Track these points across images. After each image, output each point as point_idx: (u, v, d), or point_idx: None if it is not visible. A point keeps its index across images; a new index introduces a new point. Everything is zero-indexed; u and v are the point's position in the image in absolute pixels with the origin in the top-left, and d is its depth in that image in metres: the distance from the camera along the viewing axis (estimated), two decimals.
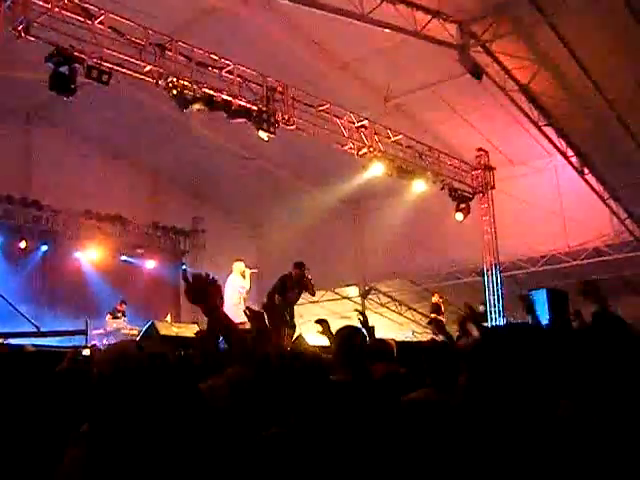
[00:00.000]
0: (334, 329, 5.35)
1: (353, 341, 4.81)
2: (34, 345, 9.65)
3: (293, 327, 13.76)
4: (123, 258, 21.34)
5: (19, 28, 10.75)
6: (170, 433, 2.26)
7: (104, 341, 15.45)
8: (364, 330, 5.54)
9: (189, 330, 13.56)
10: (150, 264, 22.03)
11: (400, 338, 17.99)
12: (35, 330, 14.51)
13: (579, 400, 2.73)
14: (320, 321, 6.09)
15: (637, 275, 18.94)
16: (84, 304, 18.53)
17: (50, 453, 2.76)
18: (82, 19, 11.59)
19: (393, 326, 24.32)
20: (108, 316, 16.81)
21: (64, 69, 11.28)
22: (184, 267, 22.85)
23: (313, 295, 14.68)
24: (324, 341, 6.04)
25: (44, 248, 19.54)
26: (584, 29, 13.33)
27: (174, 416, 2.30)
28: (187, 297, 3.41)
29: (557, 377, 2.45)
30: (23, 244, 18.86)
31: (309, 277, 14.09)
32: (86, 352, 8.88)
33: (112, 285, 19.99)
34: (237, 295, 14.93)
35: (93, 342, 14.73)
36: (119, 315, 16.97)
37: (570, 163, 17.32)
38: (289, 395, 2.83)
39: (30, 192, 19.40)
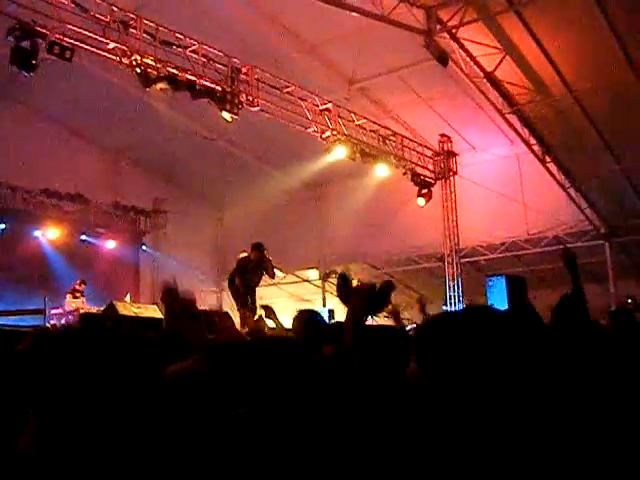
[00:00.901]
0: (294, 312, 5.36)
1: (314, 323, 4.82)
2: None
3: (254, 310, 13.69)
4: (83, 238, 21.13)
5: None
6: (124, 415, 2.23)
7: (62, 321, 15.31)
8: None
9: (148, 311, 13.51)
10: (110, 244, 21.86)
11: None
12: None
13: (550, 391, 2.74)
14: (265, 307, 6.23)
15: (595, 264, 19.12)
16: (43, 283, 18.35)
17: (7, 434, 2.71)
18: None
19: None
20: (68, 296, 16.63)
21: (25, 44, 11.11)
22: (143, 247, 22.72)
23: (272, 277, 14.52)
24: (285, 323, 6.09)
25: (1, 226, 19.25)
26: (550, 19, 13.37)
27: (127, 397, 2.27)
28: (162, 299, 3.41)
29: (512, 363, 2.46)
30: None
31: (269, 259, 13.98)
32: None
33: (72, 265, 19.81)
34: None
35: (52, 322, 14.63)
36: (78, 295, 16.81)
37: (532, 151, 17.40)
38: (254, 378, 2.81)
39: None
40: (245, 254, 14.59)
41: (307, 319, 4.94)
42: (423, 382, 2.61)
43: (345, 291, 3.89)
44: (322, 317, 5.24)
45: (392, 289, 4.22)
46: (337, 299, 4.08)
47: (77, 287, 17.04)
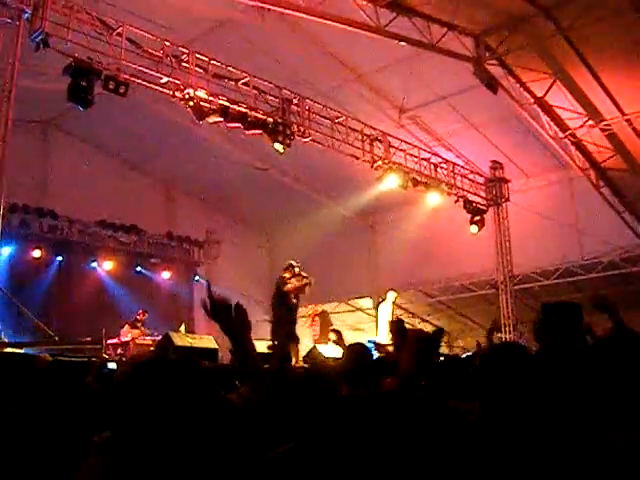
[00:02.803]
0: (347, 341, 5.38)
1: (362, 357, 4.81)
2: (51, 354, 9.70)
3: (297, 340, 13.66)
4: (138, 269, 21.41)
5: (37, 40, 10.84)
6: (193, 443, 2.28)
7: (118, 351, 15.47)
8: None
9: (203, 341, 13.61)
10: (165, 275, 22.11)
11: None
12: (51, 339, 14.60)
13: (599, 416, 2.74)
14: (335, 330, 6.17)
15: None
16: (101, 314, 18.55)
17: (68, 464, 2.78)
18: (100, 31, 11.70)
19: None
20: (126, 326, 16.71)
21: (81, 81, 11.36)
22: (197, 278, 22.89)
23: (304, 293, 14.33)
24: (337, 352, 6.08)
25: (59, 258, 19.61)
26: (599, 42, 13.31)
27: (197, 426, 2.32)
28: (206, 311, 3.39)
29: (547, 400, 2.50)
30: (37, 253, 18.95)
31: (302, 274, 13.90)
32: (112, 365, 8.93)
33: (128, 295, 20.06)
34: None
35: (108, 352, 14.80)
36: (139, 325, 16.91)
37: (586, 176, 17.28)
38: (300, 413, 2.84)
39: (46, 202, 19.50)
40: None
41: (358, 353, 4.93)
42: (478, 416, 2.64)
43: (399, 339, 3.90)
44: (370, 351, 5.21)
45: (443, 336, 4.24)
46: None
47: (139, 317, 17.16)
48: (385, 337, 16.29)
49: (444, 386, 4.11)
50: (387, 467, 2.51)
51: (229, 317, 3.25)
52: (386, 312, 16.63)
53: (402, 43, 13.78)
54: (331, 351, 13.72)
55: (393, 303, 17.10)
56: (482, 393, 2.82)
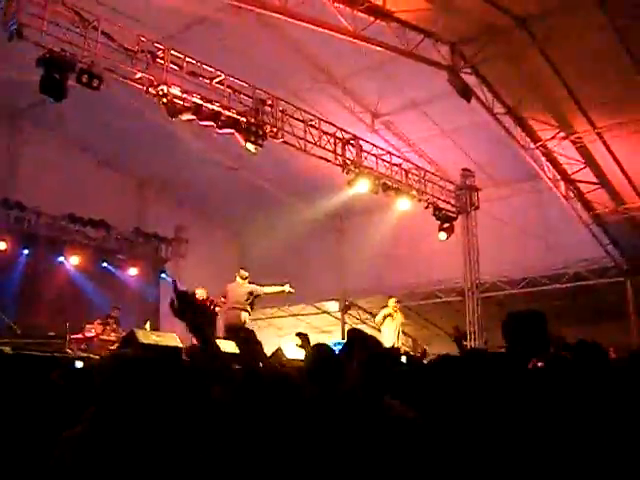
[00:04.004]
0: (313, 343, 5.36)
1: (325, 359, 4.80)
2: (13, 348, 9.62)
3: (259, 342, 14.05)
4: (104, 265, 21.26)
5: (11, 29, 10.73)
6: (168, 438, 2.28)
7: (82, 346, 15.33)
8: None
9: (167, 339, 13.51)
10: (132, 271, 21.97)
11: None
12: (14, 332, 14.45)
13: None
14: (300, 334, 6.12)
15: (616, 301, 19.02)
16: (67, 309, 18.37)
17: (30, 457, 2.76)
18: (75, 24, 11.60)
19: None
20: (97, 322, 16.52)
21: (55, 73, 11.26)
22: (163, 275, 22.77)
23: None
24: (302, 355, 6.06)
25: (25, 252, 19.39)
26: (574, 54, 13.43)
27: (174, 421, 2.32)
28: (172, 310, 3.39)
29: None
30: (2, 245, 18.71)
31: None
32: (79, 364, 8.85)
33: (94, 290, 19.93)
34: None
35: (70, 347, 14.66)
36: (110, 321, 16.75)
37: (556, 187, 17.43)
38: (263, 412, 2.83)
39: (14, 193, 19.29)
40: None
41: (319, 354, 4.92)
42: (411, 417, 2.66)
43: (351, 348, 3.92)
44: (334, 352, 5.20)
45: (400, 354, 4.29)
46: None
47: (112, 314, 17.01)
48: (390, 339, 16.67)
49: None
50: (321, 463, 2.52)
51: (195, 315, 3.25)
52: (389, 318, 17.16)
53: (378, 48, 13.80)
54: (296, 354, 13.77)
55: (395, 310, 17.27)
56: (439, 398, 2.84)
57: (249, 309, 15.50)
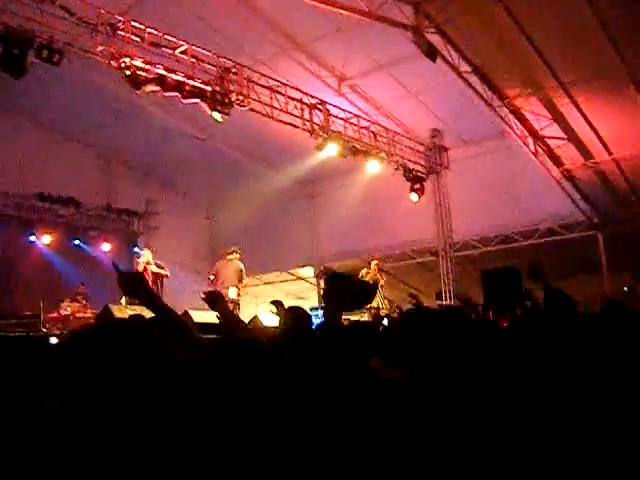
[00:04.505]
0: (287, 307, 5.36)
1: (299, 323, 4.79)
2: None
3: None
4: (77, 242, 21.12)
5: None
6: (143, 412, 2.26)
7: (58, 325, 15.29)
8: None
9: (144, 312, 13.49)
10: (105, 247, 21.85)
11: (355, 317, 18.09)
12: None
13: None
14: (275, 302, 6.11)
15: (588, 254, 19.18)
16: (41, 288, 18.27)
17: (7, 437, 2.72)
18: None
19: None
20: (66, 301, 16.51)
21: (14, 49, 11.10)
22: (136, 249, 22.70)
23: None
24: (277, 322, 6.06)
25: None
26: (538, 11, 13.39)
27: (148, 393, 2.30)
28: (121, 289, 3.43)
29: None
30: None
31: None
32: (54, 340, 8.82)
33: (67, 269, 19.82)
34: None
35: (47, 326, 14.63)
36: (79, 298, 16.73)
37: (524, 144, 17.47)
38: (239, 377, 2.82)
39: None
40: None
41: (292, 317, 4.92)
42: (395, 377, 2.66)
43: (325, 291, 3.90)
44: (309, 315, 5.18)
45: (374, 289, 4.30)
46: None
47: (79, 291, 16.99)
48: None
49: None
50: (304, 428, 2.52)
51: (142, 291, 3.28)
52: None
53: (341, 11, 13.69)
54: (271, 321, 13.95)
55: (376, 272, 17.61)
56: (412, 356, 2.83)
57: (239, 285, 16.33)
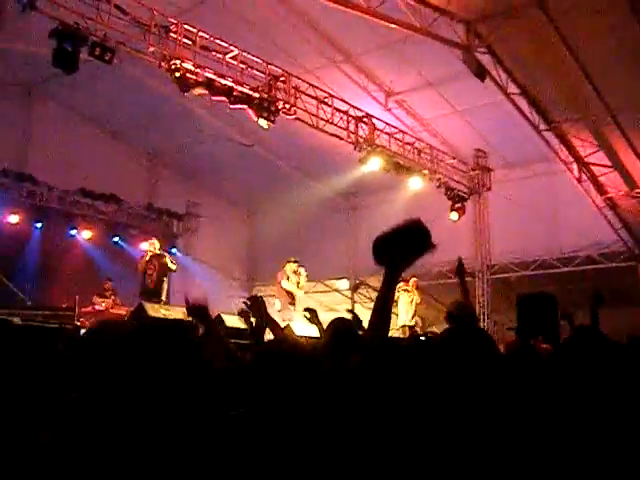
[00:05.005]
0: (323, 321, 5.36)
1: (344, 333, 4.79)
2: (22, 319, 9.67)
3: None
4: (116, 239, 21.28)
5: (24, 1, 10.71)
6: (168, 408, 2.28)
7: (91, 320, 15.40)
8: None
9: (177, 313, 13.56)
10: (144, 245, 21.98)
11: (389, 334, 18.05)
12: (24, 304, 14.54)
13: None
14: (309, 309, 6.13)
15: (627, 285, 18.92)
16: (80, 282, 18.41)
17: (32, 428, 2.76)
18: None
19: None
20: (95, 297, 16.60)
21: (68, 45, 11.27)
22: (174, 251, 22.84)
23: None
24: (312, 331, 6.06)
25: (38, 225, 19.46)
26: (591, 35, 13.29)
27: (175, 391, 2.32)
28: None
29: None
30: (15, 218, 18.72)
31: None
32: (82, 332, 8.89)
33: (106, 264, 19.95)
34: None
35: (81, 320, 14.74)
36: (107, 294, 16.82)
37: (568, 169, 17.34)
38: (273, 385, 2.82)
39: (26, 167, 19.34)
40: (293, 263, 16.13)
41: (337, 328, 4.91)
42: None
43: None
44: (353, 327, 5.17)
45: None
46: (366, 309, 4.05)
47: (105, 287, 17.06)
48: (406, 318, 17.46)
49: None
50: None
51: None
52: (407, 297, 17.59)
53: (392, 25, 13.71)
54: (304, 329, 13.96)
55: (412, 289, 17.78)
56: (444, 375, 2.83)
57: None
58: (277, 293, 16.03)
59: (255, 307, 4.80)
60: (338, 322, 5.00)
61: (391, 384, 2.95)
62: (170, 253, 22.32)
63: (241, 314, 5.58)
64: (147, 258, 15.53)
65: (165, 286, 14.87)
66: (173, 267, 15.93)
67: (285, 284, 15.83)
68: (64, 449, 2.22)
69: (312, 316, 6.02)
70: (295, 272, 15.91)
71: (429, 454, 2.37)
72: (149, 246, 16.09)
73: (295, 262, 16.06)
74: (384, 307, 3.01)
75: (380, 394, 2.86)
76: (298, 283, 15.96)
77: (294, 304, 15.68)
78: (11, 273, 16.71)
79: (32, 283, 17.74)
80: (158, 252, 15.76)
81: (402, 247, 2.99)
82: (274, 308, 15.67)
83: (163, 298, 14.83)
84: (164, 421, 2.29)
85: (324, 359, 4.11)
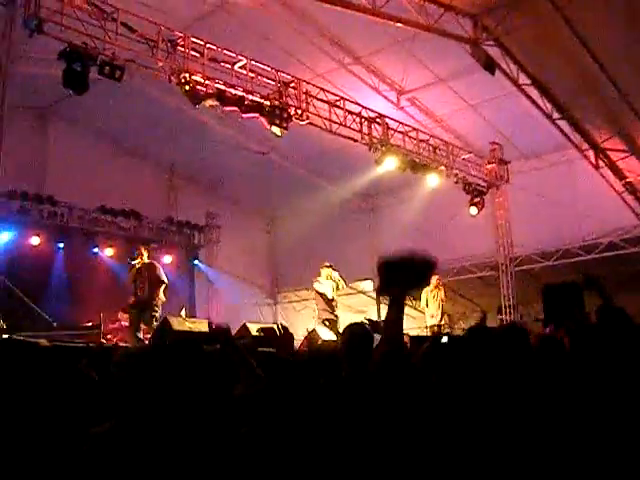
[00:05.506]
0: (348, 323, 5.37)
1: (360, 338, 4.79)
2: (49, 340, 9.72)
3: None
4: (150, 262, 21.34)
5: (31, 26, 10.82)
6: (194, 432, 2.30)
7: (119, 335, 15.51)
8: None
9: (202, 325, 13.61)
10: (166, 259, 22.08)
11: (415, 332, 18.01)
12: (50, 325, 14.64)
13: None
14: (328, 319, 6.20)
15: None
16: (105, 299, 18.51)
17: (62, 448, 2.79)
18: (94, 16, 11.67)
19: (407, 320, 24.20)
20: (120, 312, 16.64)
21: (77, 66, 11.37)
22: (196, 262, 22.92)
23: None
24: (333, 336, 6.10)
25: (60, 245, 19.61)
26: (598, 21, 13.24)
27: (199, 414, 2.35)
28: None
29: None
30: (36, 240, 18.88)
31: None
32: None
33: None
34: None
35: (108, 337, 14.84)
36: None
37: (585, 157, 17.25)
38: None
39: (45, 188, 19.50)
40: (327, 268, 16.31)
41: (353, 333, 4.91)
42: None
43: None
44: (370, 331, 5.16)
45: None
46: None
47: (131, 302, 17.08)
48: (430, 319, 17.45)
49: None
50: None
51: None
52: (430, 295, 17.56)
53: (399, 24, 13.72)
54: (328, 334, 14.08)
55: (436, 286, 17.59)
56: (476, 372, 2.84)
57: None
58: (315, 299, 16.16)
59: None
60: (354, 327, 5.00)
61: (408, 389, 2.96)
62: (193, 265, 22.45)
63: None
64: (137, 267, 14.72)
65: (160, 297, 14.31)
66: (163, 278, 14.80)
67: (319, 287, 15.95)
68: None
69: (332, 325, 6.09)
70: (329, 276, 15.98)
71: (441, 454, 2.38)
72: (138, 256, 15.13)
73: (329, 267, 16.18)
74: (397, 331, 3.11)
75: (398, 399, 2.87)
76: (335, 287, 16.10)
77: (332, 307, 15.74)
78: (37, 295, 16.83)
79: (58, 303, 17.82)
80: (147, 261, 14.90)
81: (410, 276, 3.15)
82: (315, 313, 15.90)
83: (157, 310, 14.27)
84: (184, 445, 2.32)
85: (342, 364, 4.13)
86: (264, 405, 2.82)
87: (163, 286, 14.27)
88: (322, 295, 15.95)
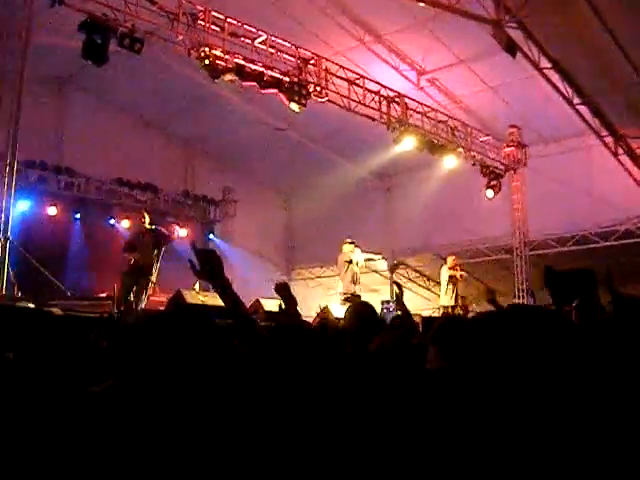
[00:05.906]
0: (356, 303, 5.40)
1: (363, 317, 4.81)
2: (63, 310, 9.80)
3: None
4: (153, 227, 21.39)
5: None
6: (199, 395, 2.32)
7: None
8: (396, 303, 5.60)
9: (216, 299, 13.64)
10: (182, 233, 22.11)
11: (428, 313, 18.03)
12: (64, 295, 14.72)
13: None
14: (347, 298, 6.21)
15: None
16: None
17: (60, 411, 2.81)
18: None
19: (421, 301, 24.25)
20: None
21: (97, 37, 11.39)
22: (211, 236, 22.92)
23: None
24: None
25: (77, 215, 19.70)
26: (621, 6, 13.12)
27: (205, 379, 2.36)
28: (194, 272, 3.48)
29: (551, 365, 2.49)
30: (53, 210, 18.97)
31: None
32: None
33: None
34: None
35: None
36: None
37: (603, 143, 17.14)
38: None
39: (63, 159, 19.58)
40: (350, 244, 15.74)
41: (358, 312, 4.94)
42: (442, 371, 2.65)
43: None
44: (374, 311, 5.18)
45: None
46: (405, 289, 4.05)
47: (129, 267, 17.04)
48: (446, 299, 16.85)
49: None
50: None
51: (215, 270, 3.33)
52: (446, 275, 16.94)
53: (421, 4, 13.64)
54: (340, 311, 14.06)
55: (451, 268, 17.04)
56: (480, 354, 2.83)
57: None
58: (341, 273, 15.81)
59: (277, 291, 4.83)
60: (359, 306, 5.03)
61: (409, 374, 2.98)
62: (208, 239, 22.48)
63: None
64: (141, 232, 14.41)
65: (157, 264, 14.13)
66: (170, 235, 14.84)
67: (352, 257, 15.60)
68: (90, 440, 2.28)
69: (345, 300, 6.11)
70: (352, 252, 15.70)
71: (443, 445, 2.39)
72: (139, 220, 14.68)
73: (351, 243, 15.82)
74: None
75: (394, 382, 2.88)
76: (357, 262, 15.54)
77: (355, 283, 15.44)
78: (53, 265, 16.90)
79: (74, 273, 17.94)
80: (148, 227, 14.47)
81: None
82: (337, 290, 15.68)
83: (153, 278, 14.11)
84: (191, 411, 2.33)
85: (346, 342, 4.14)
86: (264, 376, 2.82)
87: (163, 249, 14.19)
88: (351, 266, 15.42)
